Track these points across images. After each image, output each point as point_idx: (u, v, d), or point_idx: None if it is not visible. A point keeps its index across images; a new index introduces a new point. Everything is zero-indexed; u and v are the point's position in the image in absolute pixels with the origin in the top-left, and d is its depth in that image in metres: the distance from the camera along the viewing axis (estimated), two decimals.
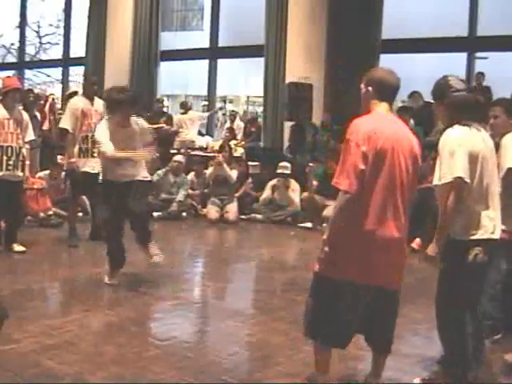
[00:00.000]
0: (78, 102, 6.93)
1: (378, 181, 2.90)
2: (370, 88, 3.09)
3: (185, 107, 11.94)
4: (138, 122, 5.47)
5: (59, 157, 8.71)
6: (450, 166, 3.07)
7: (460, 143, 3.10)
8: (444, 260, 3.23)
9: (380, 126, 2.95)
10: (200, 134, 12.24)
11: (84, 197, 8.40)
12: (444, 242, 3.17)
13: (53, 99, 11.39)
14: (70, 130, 6.76)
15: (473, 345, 3.24)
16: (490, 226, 3.18)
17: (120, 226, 5.37)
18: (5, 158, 6.20)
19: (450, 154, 3.08)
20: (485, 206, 3.19)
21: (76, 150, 6.77)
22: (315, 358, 3.16)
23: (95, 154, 6.66)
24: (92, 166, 6.68)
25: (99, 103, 6.89)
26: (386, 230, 2.93)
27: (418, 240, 7.35)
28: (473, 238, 3.16)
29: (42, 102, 11.12)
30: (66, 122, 6.85)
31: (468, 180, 3.08)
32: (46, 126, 10.65)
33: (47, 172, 8.55)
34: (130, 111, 5.36)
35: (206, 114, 12.41)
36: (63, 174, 8.42)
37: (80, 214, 8.41)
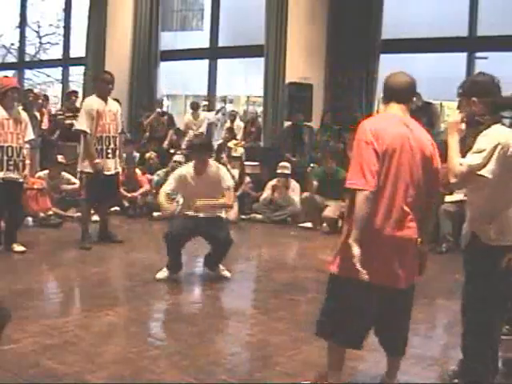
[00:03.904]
0: (93, 103, 6.80)
1: (385, 180, 2.92)
2: (382, 93, 3.20)
3: (195, 108, 11.92)
4: (218, 170, 5.66)
5: (59, 156, 8.72)
6: (480, 156, 2.99)
7: (500, 142, 3.02)
8: (475, 265, 3.20)
9: (386, 125, 2.97)
10: None
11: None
12: (475, 247, 3.16)
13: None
14: (88, 131, 6.67)
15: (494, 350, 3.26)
16: None
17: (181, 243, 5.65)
18: (5, 158, 6.20)
19: (487, 149, 3.00)
20: None
21: None
22: (328, 359, 3.17)
23: (110, 156, 6.80)
24: (107, 167, 6.79)
25: (112, 103, 6.99)
26: (394, 228, 2.94)
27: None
28: (507, 244, 3.11)
29: (41, 101, 11.13)
30: (82, 124, 6.73)
31: (490, 176, 2.99)
32: (45, 126, 10.66)
33: (46, 172, 8.55)
34: (206, 156, 5.59)
35: (214, 114, 12.39)
36: (78, 175, 8.51)
37: (79, 214, 8.41)
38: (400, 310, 3.17)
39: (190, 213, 5.61)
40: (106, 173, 6.78)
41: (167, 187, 5.67)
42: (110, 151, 6.78)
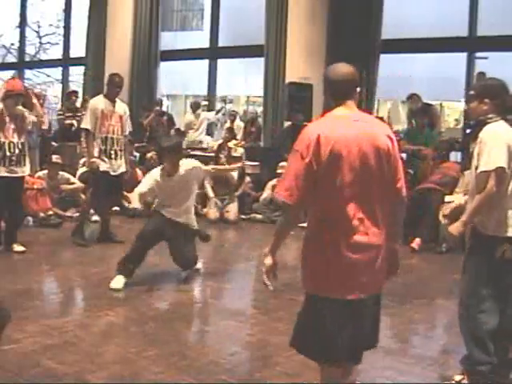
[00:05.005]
0: (99, 103, 6.87)
1: (337, 186, 2.68)
2: (324, 90, 2.89)
3: (195, 108, 11.91)
4: (188, 167, 5.64)
5: (54, 156, 8.71)
6: (492, 155, 3.12)
7: (502, 137, 3.17)
8: (472, 255, 3.27)
9: (329, 129, 2.70)
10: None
11: (83, 196, 8.43)
12: (473, 237, 3.22)
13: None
14: (91, 130, 6.77)
15: (499, 344, 3.26)
16: None
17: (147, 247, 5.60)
18: (8, 154, 6.21)
19: (493, 145, 3.14)
20: None
21: (96, 150, 6.79)
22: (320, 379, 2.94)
23: (113, 156, 6.88)
24: (111, 167, 6.86)
25: (120, 106, 7.06)
26: (355, 237, 2.69)
27: (417, 240, 7.38)
28: (503, 235, 3.18)
29: (41, 101, 11.12)
30: (86, 122, 6.85)
31: (508, 171, 3.13)
32: (45, 126, 10.64)
33: (46, 172, 8.55)
34: (176, 158, 5.56)
35: (214, 114, 12.38)
36: (79, 173, 8.72)
37: (78, 214, 8.42)
38: (375, 316, 2.89)
39: (166, 214, 5.61)
40: (112, 173, 6.86)
41: (142, 188, 5.65)
42: (112, 152, 6.85)
